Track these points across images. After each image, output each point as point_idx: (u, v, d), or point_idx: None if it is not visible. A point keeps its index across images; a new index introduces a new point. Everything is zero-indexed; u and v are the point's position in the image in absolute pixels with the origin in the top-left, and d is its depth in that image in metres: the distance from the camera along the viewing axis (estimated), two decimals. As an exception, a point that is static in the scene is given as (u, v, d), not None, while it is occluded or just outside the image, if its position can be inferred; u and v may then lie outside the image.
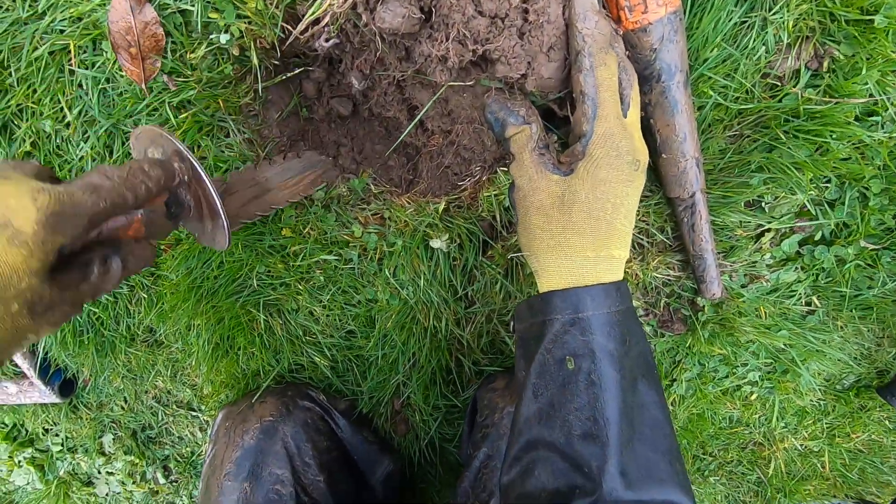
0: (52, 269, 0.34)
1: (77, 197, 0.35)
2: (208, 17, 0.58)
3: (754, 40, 0.54)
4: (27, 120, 0.64)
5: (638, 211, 0.66)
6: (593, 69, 0.49)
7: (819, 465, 0.93)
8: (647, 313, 0.80)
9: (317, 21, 0.62)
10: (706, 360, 0.81)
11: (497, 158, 0.63)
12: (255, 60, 0.62)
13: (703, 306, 0.75)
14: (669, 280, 0.74)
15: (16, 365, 0.89)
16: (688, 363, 0.82)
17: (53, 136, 0.65)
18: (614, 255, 0.50)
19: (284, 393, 0.84)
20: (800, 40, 0.53)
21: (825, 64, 0.53)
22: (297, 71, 0.69)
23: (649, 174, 0.64)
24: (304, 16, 0.54)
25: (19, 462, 0.98)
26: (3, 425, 0.97)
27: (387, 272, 0.73)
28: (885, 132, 0.53)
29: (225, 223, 0.50)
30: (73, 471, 1.03)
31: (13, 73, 0.60)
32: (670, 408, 0.88)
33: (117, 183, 0.39)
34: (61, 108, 0.63)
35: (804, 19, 0.52)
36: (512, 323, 0.77)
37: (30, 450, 0.98)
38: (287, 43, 0.60)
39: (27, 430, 0.98)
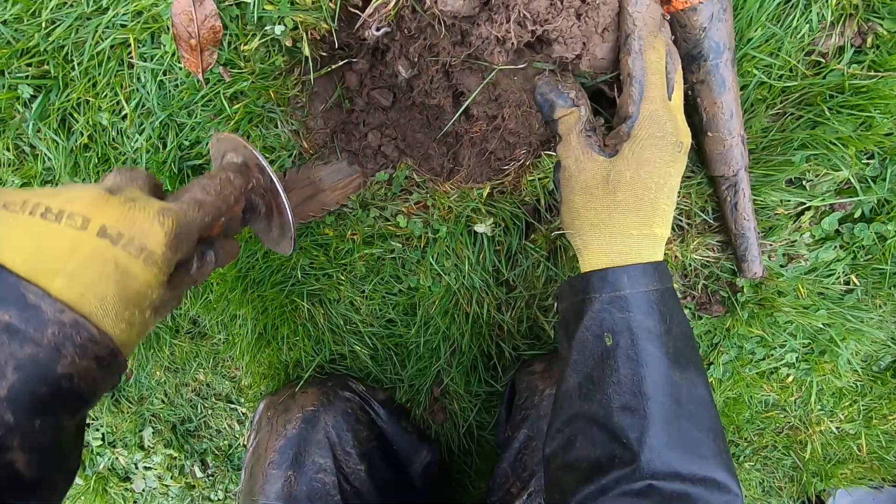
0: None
1: (189, 216, 0.40)
2: (264, 9, 0.60)
3: (798, 19, 0.55)
4: (85, 114, 0.66)
5: (679, 192, 0.67)
6: (642, 52, 0.50)
7: (855, 448, 0.93)
8: (685, 295, 0.81)
9: (381, 5, 0.64)
10: (744, 342, 0.82)
11: (543, 142, 0.65)
12: (307, 51, 0.64)
13: (742, 287, 0.76)
14: (709, 262, 0.75)
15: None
16: (725, 346, 0.83)
17: (110, 129, 0.67)
18: (657, 234, 0.51)
19: (325, 383, 0.85)
20: (843, 18, 0.55)
21: (869, 40, 0.55)
22: (341, 63, 0.71)
23: (691, 154, 0.65)
24: (364, 5, 0.56)
25: (60, 457, 1.00)
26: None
27: (430, 259, 0.75)
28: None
29: (293, 234, 0.54)
30: (112, 465, 1.04)
31: (76, 67, 0.62)
32: (707, 392, 0.89)
33: (214, 197, 0.44)
34: (118, 101, 0.65)
35: (848, -3, 0.54)
36: (555, 304, 0.78)
37: (71, 445, 0.99)
38: (343, 33, 0.62)
39: (69, 425, 0.99)
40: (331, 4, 0.61)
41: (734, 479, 0.47)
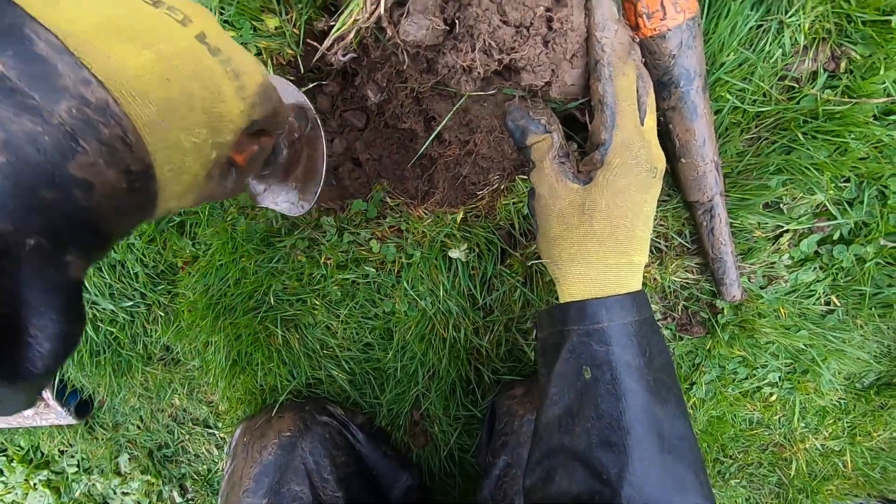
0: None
1: (272, 89, 0.36)
2: (226, 36, 0.59)
3: (770, 44, 0.54)
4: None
5: (656, 216, 0.66)
6: (612, 78, 0.49)
7: (840, 465, 0.93)
8: (665, 317, 0.80)
9: (339, 37, 0.63)
10: (726, 363, 0.81)
11: (516, 166, 0.63)
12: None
13: (723, 308, 0.75)
14: (688, 283, 0.74)
15: (31, 387, 0.89)
16: (707, 366, 0.82)
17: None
18: (634, 262, 0.50)
19: (302, 407, 0.83)
20: (816, 42, 0.54)
21: (842, 65, 0.54)
22: (311, 85, 0.70)
23: (667, 178, 0.64)
24: (328, 32, 0.55)
25: (35, 485, 0.97)
26: (18, 448, 0.96)
27: (405, 284, 0.73)
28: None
29: (320, 184, 0.50)
30: (89, 492, 1.02)
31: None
32: (690, 412, 0.88)
33: (281, 102, 0.38)
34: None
35: (820, 21, 0.53)
36: (534, 331, 0.77)
37: (45, 472, 0.97)
38: (309, 59, 0.60)
39: (43, 453, 0.97)
40: (294, 31, 0.59)
41: None
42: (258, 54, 0.61)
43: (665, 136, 0.58)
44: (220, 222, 0.71)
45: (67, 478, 0.99)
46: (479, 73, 0.50)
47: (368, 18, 0.48)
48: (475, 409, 0.82)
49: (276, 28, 0.59)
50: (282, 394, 0.84)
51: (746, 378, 0.83)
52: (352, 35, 0.51)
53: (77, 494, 1.02)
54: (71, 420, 0.88)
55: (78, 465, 0.99)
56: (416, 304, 0.75)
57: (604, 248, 0.49)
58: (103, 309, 0.77)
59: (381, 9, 0.47)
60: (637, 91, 0.50)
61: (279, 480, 0.76)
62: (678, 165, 0.59)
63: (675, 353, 0.82)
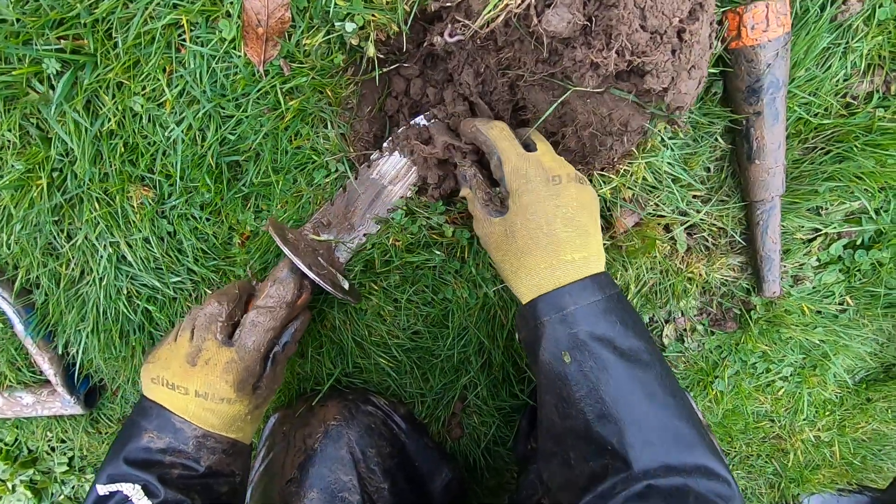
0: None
1: (248, 360, 0.58)
2: (336, 4, 0.58)
3: (836, 65, 0.62)
4: (115, 97, 0.60)
5: (710, 213, 0.72)
6: (485, 132, 0.58)
7: (829, 455, 1.03)
8: (700, 312, 0.86)
9: (440, 17, 0.64)
10: (748, 357, 0.88)
11: (604, 165, 0.67)
12: (372, 51, 0.62)
13: (756, 305, 0.82)
14: (727, 280, 0.80)
15: (35, 372, 0.79)
16: (731, 360, 0.89)
17: (142, 115, 0.61)
18: (570, 259, 0.54)
19: (346, 397, 0.81)
20: (873, 67, 0.62)
21: (893, 88, 0.62)
22: (394, 66, 0.70)
23: (730, 181, 0.70)
24: (436, 14, 0.56)
25: (14, 486, 0.86)
26: (2, 443, 0.85)
27: (472, 269, 0.74)
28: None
29: (342, 297, 0.65)
30: (74, 495, 0.92)
31: (119, 45, 0.56)
32: (711, 405, 0.94)
33: (269, 337, 0.60)
34: (156, 87, 0.60)
35: (877, 49, 0.61)
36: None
37: (31, 471, 0.86)
38: (412, 37, 0.61)
39: (31, 449, 0.86)
40: (406, 7, 0.60)
41: (723, 465, 0.48)
42: (361, 28, 0.60)
43: (743, 138, 0.63)
44: (290, 196, 0.68)
45: (54, 478, 0.89)
46: (606, 70, 0.53)
47: (520, 5, 0.50)
48: (523, 396, 0.84)
49: (388, 3, 0.59)
50: (322, 382, 0.81)
51: (763, 372, 0.90)
52: (501, 17, 0.52)
53: (61, 499, 0.91)
54: (78, 409, 0.80)
55: (69, 464, 0.88)
56: (477, 291, 0.76)
57: (533, 258, 0.53)
58: (144, 285, 0.71)
59: (532, -4, 0.49)
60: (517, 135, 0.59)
61: (326, 469, 0.73)
62: (750, 166, 0.65)
63: (704, 348, 0.88)
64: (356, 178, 0.67)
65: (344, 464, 0.75)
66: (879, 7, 0.59)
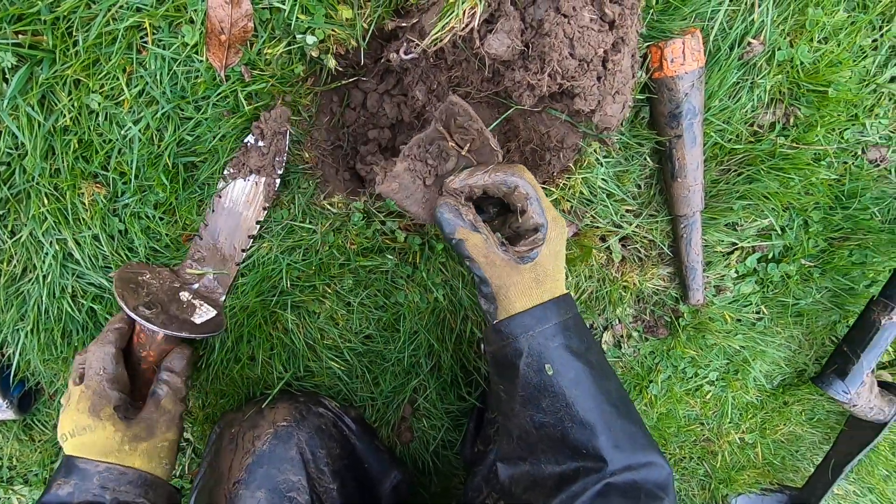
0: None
1: (94, 386, 0.61)
2: (298, 18, 0.62)
3: (744, 97, 0.70)
4: (71, 93, 0.61)
5: (641, 226, 0.79)
6: (520, 177, 0.57)
7: (753, 456, 1.11)
8: (635, 320, 0.92)
9: (396, 36, 0.68)
10: (678, 362, 0.95)
11: (544, 178, 0.73)
12: (332, 64, 0.66)
13: (684, 313, 0.89)
14: (658, 290, 0.87)
15: (-35, 374, 0.76)
16: (663, 365, 0.95)
17: (99, 114, 0.62)
18: (561, 285, 0.61)
19: (296, 399, 0.82)
20: (775, 101, 0.71)
21: (792, 120, 0.72)
22: (351, 80, 0.74)
23: (660, 196, 0.78)
24: (393, 32, 0.61)
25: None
26: (-79, 453, 0.79)
27: (423, 274, 0.77)
28: (827, 171, 0.73)
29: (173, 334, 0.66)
30: (-1, 509, 0.87)
31: (79, 43, 0.57)
32: (646, 408, 1.00)
33: (107, 358, 0.63)
34: (115, 86, 0.61)
35: (778, 85, 0.70)
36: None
37: (-48, 483, 0.81)
38: (370, 52, 0.65)
39: (-47, 459, 0.81)
40: (364, 24, 0.64)
41: (662, 456, 0.56)
42: (322, 41, 0.64)
43: (667, 159, 0.71)
44: (246, 199, 0.70)
45: (-22, 490, 0.84)
46: (540, 91, 0.59)
47: (464, 28, 0.55)
48: (471, 399, 0.87)
49: (347, 19, 0.63)
50: (272, 386, 0.82)
51: (692, 377, 0.97)
52: (447, 38, 0.57)
53: (-16, 512, 0.86)
54: (10, 415, 0.77)
55: (-4, 474, 0.84)
56: (427, 295, 0.79)
57: (543, 288, 0.59)
58: (91, 283, 0.70)
59: (476, 23, 0.55)
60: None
61: (275, 470, 0.74)
62: (673, 184, 0.73)
63: (639, 353, 0.94)
64: (213, 211, 0.69)
65: (293, 464, 0.75)
66: (778, 50, 0.68)
